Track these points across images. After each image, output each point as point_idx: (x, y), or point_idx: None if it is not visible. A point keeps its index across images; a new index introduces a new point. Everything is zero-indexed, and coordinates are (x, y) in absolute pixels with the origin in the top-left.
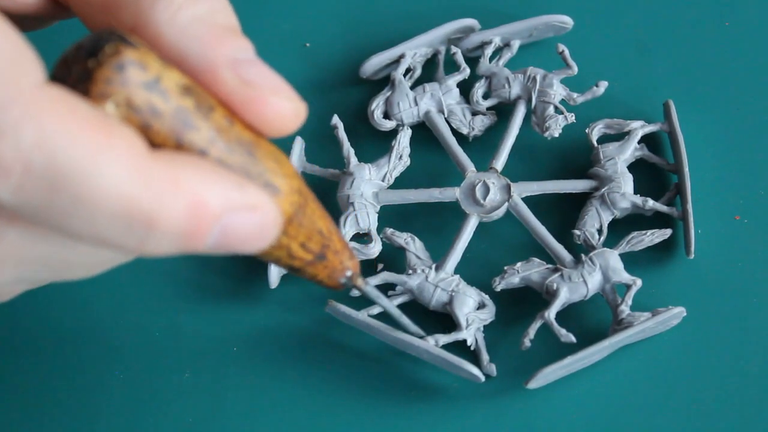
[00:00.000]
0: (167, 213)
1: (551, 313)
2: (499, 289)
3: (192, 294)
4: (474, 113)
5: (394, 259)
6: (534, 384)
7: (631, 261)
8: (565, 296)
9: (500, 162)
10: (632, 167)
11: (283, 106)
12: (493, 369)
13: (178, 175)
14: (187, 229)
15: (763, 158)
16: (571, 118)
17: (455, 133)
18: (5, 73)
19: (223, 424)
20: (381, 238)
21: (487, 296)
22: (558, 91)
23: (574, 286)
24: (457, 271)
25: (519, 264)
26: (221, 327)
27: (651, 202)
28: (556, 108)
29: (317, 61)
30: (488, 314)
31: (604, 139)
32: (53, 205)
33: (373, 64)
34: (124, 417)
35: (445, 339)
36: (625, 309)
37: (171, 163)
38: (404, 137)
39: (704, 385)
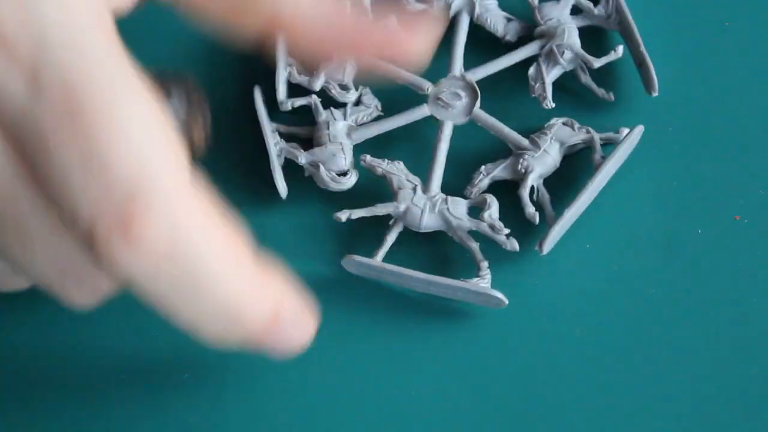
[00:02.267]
0: (255, 315)
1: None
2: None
3: None
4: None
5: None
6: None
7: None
8: (538, 172)
9: (476, 75)
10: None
11: (421, 41)
12: (515, 243)
13: (270, 282)
14: (260, 332)
15: (764, 158)
16: (548, 103)
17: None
18: (170, 170)
19: (223, 424)
20: (357, 171)
21: (483, 195)
22: (566, 64)
23: (541, 159)
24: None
25: (483, 167)
26: None
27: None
28: (543, 82)
29: None
30: (495, 207)
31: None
32: (173, 290)
33: None
34: (124, 417)
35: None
36: (597, 155)
37: (265, 269)
38: (368, 95)
39: (701, 383)
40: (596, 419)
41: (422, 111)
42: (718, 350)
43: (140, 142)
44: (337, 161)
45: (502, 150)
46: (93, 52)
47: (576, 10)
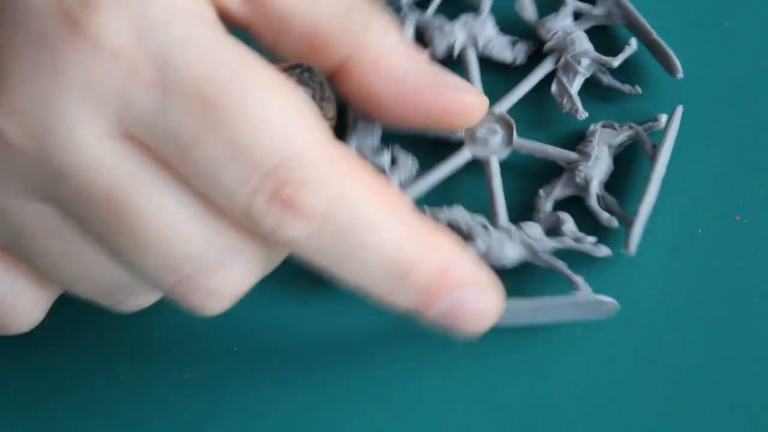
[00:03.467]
0: (422, 269)
1: (592, 198)
2: (541, 219)
3: None
4: (513, 42)
5: None
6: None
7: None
8: (597, 180)
9: (504, 106)
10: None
11: (479, 102)
12: (606, 249)
13: (436, 239)
14: (430, 289)
15: (763, 158)
16: (583, 114)
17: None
18: (312, 136)
19: (223, 424)
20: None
21: (556, 214)
22: (585, 71)
23: (596, 166)
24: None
25: (541, 190)
26: (221, 327)
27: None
28: (569, 94)
29: None
30: (571, 221)
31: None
32: (337, 248)
33: None
34: (124, 417)
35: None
36: (648, 146)
37: (430, 227)
38: (403, 159)
39: (702, 383)
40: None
41: (464, 155)
42: (718, 350)
43: (278, 119)
44: None
45: (544, 172)
46: (210, 46)
47: (577, 16)
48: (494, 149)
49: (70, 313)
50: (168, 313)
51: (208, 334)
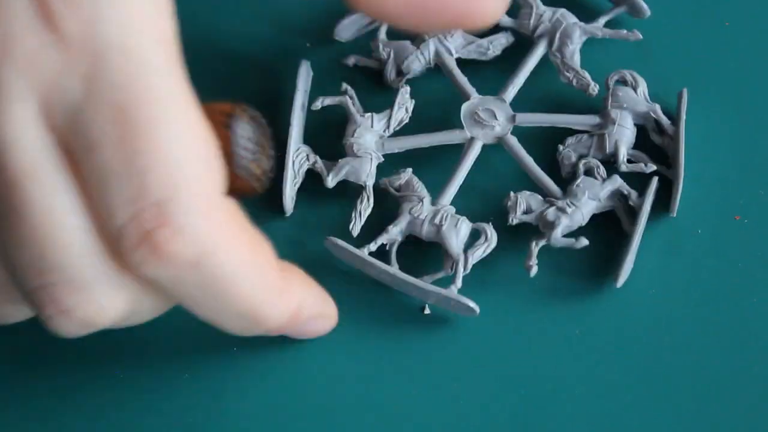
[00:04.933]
0: (276, 318)
1: (557, 234)
2: (515, 222)
3: None
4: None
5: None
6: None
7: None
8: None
9: (510, 93)
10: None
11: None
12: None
13: (291, 289)
14: (282, 329)
15: (763, 158)
16: (594, 89)
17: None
18: (204, 186)
19: (223, 424)
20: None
21: (485, 224)
22: (577, 43)
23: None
24: (455, 204)
25: (520, 194)
26: None
27: (624, 168)
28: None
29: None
30: (486, 245)
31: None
32: (198, 296)
33: (347, 25)
34: (124, 417)
35: (457, 285)
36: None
37: (286, 277)
38: (405, 94)
39: (701, 383)
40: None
41: (460, 135)
42: (718, 350)
43: (178, 157)
44: (358, 174)
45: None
46: (151, 64)
47: None
48: (484, 134)
49: None
50: (168, 313)
51: (208, 334)
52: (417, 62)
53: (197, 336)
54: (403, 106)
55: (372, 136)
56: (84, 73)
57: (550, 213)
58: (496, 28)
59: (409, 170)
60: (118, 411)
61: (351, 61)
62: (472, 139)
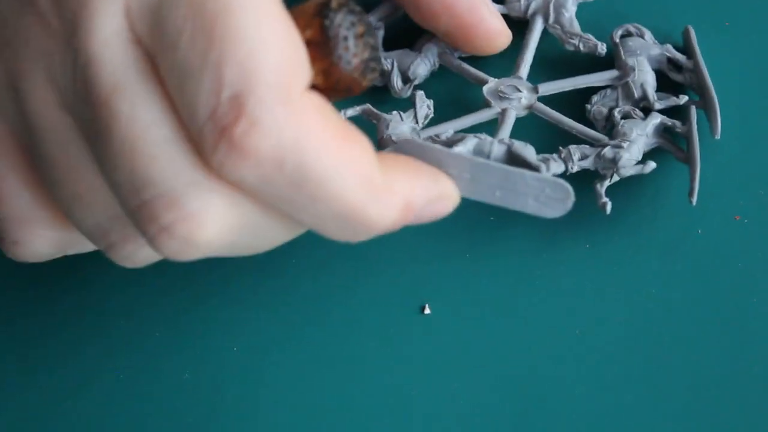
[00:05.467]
0: (383, 219)
1: (623, 162)
2: (574, 170)
3: (192, 294)
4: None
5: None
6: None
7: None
8: (626, 157)
9: (523, 70)
10: None
11: (501, 29)
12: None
13: (394, 183)
14: (394, 226)
15: (764, 158)
16: (602, 49)
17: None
18: (282, 77)
19: (223, 424)
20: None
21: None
22: (571, 10)
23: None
24: None
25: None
26: (221, 327)
27: (659, 105)
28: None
29: None
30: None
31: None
32: (290, 197)
33: None
34: (124, 417)
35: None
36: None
37: (389, 171)
38: (420, 98)
39: (701, 383)
40: (594, 418)
41: (491, 111)
42: (718, 350)
43: (255, 46)
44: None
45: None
46: None
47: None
48: (513, 105)
49: (70, 313)
50: (168, 313)
51: (208, 334)
52: (423, 66)
53: (197, 336)
54: (424, 104)
55: (406, 127)
56: None
57: (608, 151)
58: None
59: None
60: (118, 411)
61: None
62: (504, 111)
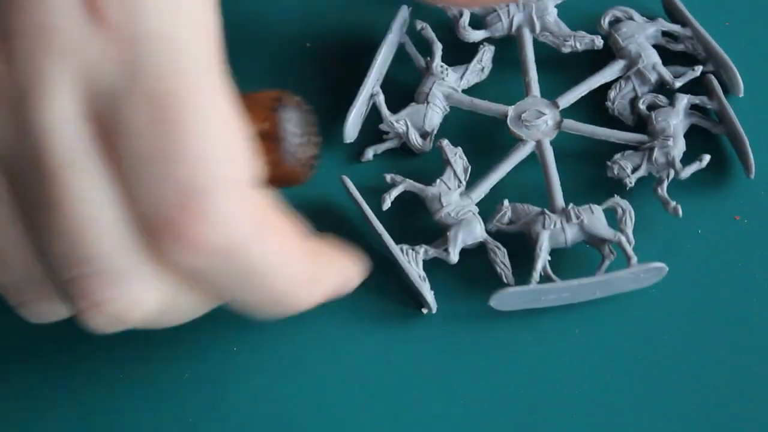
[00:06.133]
0: (308, 302)
1: (540, 257)
2: (494, 230)
3: None
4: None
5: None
6: (494, 303)
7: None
8: (545, 239)
9: (565, 100)
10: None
11: None
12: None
13: (323, 274)
14: (311, 305)
15: (764, 158)
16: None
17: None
18: (232, 174)
19: (223, 423)
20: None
21: (614, 199)
22: (650, 86)
23: (555, 233)
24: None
25: (513, 204)
26: (221, 327)
27: (678, 83)
28: (633, 102)
29: None
30: (628, 216)
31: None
32: (230, 285)
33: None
34: (124, 417)
35: (433, 252)
36: (608, 258)
37: (318, 261)
38: (488, 53)
39: (699, 382)
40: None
41: (526, 149)
42: (718, 350)
43: (210, 146)
44: (418, 118)
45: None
46: (190, 54)
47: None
48: (541, 132)
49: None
50: None
51: (208, 334)
52: (435, 115)
53: (197, 336)
54: (456, 155)
55: (456, 195)
56: (124, 60)
57: (659, 154)
58: (475, 47)
59: (505, 200)
60: (118, 411)
61: (370, 155)
62: (539, 143)
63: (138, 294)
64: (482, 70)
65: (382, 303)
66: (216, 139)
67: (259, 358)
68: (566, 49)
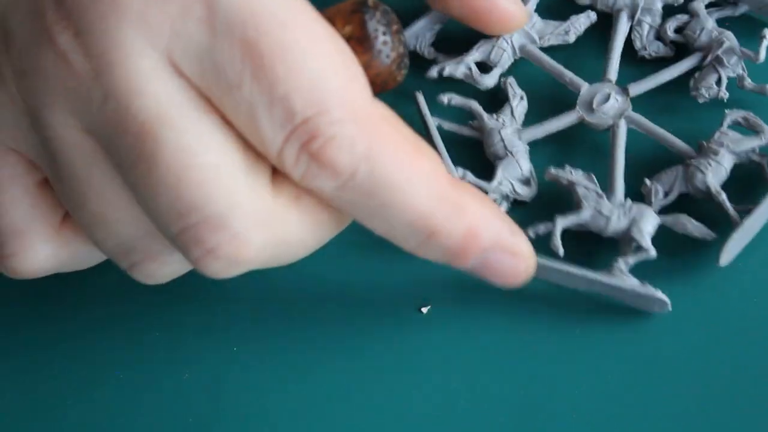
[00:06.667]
0: (448, 232)
1: (561, 221)
2: (547, 178)
3: (191, 294)
4: (657, 38)
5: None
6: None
7: (669, 237)
8: (584, 217)
9: (637, 89)
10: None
11: (514, 9)
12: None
13: (466, 203)
14: (457, 249)
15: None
16: (724, 95)
17: (628, 46)
18: (348, 93)
19: (223, 424)
20: (499, 81)
21: (535, 179)
22: (733, 67)
23: (598, 217)
24: (532, 146)
25: (580, 171)
26: (221, 327)
27: (723, 197)
28: (719, 80)
29: None
30: (525, 192)
31: (736, 129)
32: (363, 204)
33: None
34: (124, 417)
35: (471, 178)
36: (621, 262)
37: (461, 191)
38: (585, 18)
39: (697, 384)
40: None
41: (573, 115)
42: (716, 353)
43: (317, 74)
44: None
45: (654, 154)
46: None
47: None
48: (606, 118)
49: (70, 313)
50: (168, 314)
51: (208, 334)
52: (505, 54)
53: (197, 336)
54: (517, 95)
55: (512, 131)
56: (200, 17)
57: (699, 180)
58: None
59: (579, 170)
60: (118, 411)
61: (434, 73)
62: (616, 126)
63: (247, 232)
64: (567, 32)
65: (383, 303)
66: (319, 65)
67: (259, 358)
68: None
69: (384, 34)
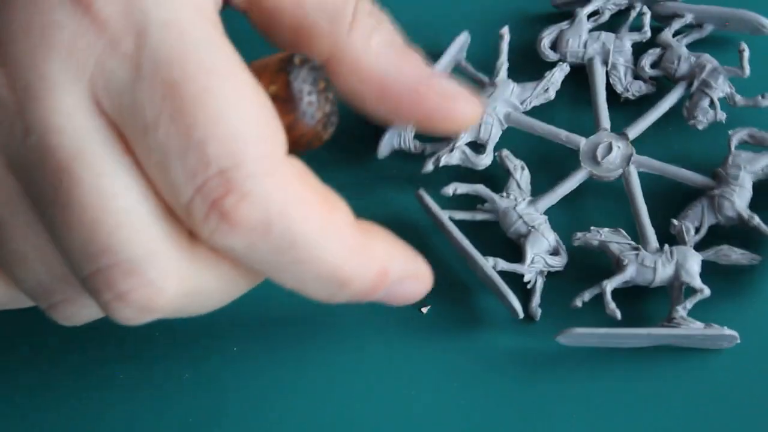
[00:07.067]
0: (360, 279)
1: (610, 284)
2: (576, 243)
3: None
4: (635, 77)
5: (493, 182)
6: (562, 339)
7: (712, 271)
8: (630, 274)
9: (634, 131)
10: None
11: (470, 110)
12: (537, 313)
13: (374, 247)
14: (368, 291)
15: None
16: (722, 116)
17: (608, 90)
18: (266, 147)
19: (223, 424)
20: (495, 156)
21: (563, 246)
22: (721, 87)
23: (643, 270)
24: (548, 213)
25: (606, 229)
26: (221, 327)
27: (757, 220)
28: (711, 102)
29: None
30: (558, 262)
31: (743, 148)
32: (275, 261)
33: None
34: (124, 417)
35: (503, 265)
36: (680, 310)
37: (369, 235)
38: (559, 72)
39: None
40: None
41: (576, 142)
42: (722, 358)
43: (235, 124)
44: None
45: (623, 218)
46: (194, 35)
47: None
48: (611, 168)
49: None
50: None
51: (208, 334)
52: (495, 127)
53: (197, 336)
54: (518, 166)
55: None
56: (127, 53)
57: (729, 208)
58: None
59: (605, 228)
60: (118, 411)
61: (430, 167)
62: (626, 177)
63: (160, 280)
64: (546, 90)
65: (382, 303)
66: (238, 116)
67: (259, 358)
68: (627, 94)
69: (309, 94)
